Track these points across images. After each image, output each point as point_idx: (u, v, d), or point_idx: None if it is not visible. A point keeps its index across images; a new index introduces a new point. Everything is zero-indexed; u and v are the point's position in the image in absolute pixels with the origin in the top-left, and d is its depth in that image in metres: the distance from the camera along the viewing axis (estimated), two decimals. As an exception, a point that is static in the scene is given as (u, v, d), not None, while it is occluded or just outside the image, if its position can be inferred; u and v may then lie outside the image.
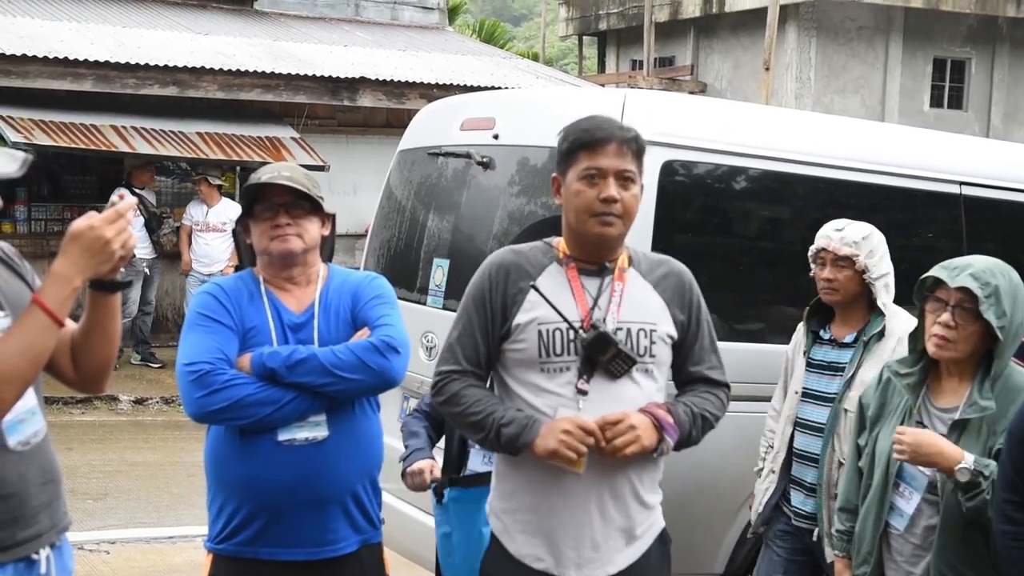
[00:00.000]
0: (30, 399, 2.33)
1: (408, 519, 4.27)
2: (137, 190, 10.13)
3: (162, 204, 10.87)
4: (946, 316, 2.95)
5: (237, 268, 3.26)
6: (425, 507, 3.17)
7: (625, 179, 2.63)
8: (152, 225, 10.23)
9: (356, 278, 3.00)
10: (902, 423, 3.07)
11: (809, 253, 3.75)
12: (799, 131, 4.46)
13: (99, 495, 6.90)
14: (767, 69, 14.58)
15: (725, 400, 2.81)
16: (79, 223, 2.21)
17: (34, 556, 2.31)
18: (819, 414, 3.66)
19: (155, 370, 10.39)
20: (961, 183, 4.54)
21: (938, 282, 3.00)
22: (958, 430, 2.96)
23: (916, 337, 3.10)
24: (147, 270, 10.33)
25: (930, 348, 3.01)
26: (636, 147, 2.66)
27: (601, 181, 2.62)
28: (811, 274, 3.73)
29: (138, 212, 10.06)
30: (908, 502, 3.05)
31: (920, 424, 3.04)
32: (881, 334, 3.61)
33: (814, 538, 3.67)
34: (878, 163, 4.40)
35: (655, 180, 3.91)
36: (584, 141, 2.65)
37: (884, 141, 4.69)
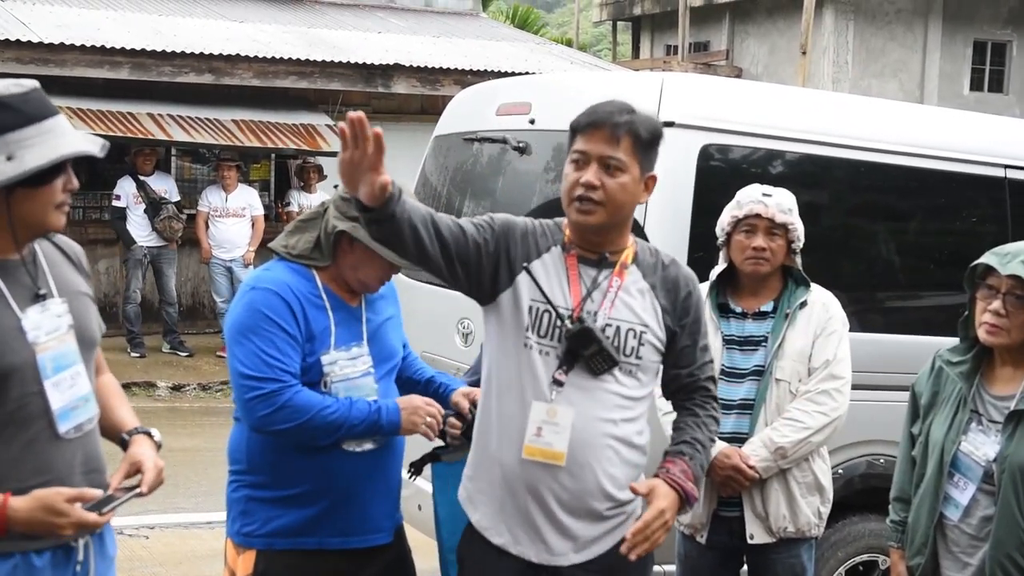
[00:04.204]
0: (84, 386, 2.35)
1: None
2: (141, 176, 10.20)
3: (197, 192, 10.92)
4: (997, 304, 2.90)
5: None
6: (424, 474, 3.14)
7: (610, 166, 2.56)
8: (151, 212, 10.14)
9: None
10: (956, 412, 3.02)
11: (726, 221, 3.51)
12: (839, 114, 4.39)
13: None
14: (804, 53, 14.43)
15: (717, 407, 2.80)
16: (60, 513, 2.19)
17: (72, 544, 2.32)
18: (742, 392, 3.47)
19: (192, 357, 10.44)
20: (1006, 166, 4.45)
21: (989, 269, 2.95)
22: (1015, 420, 2.91)
23: (967, 324, 3.05)
24: (148, 258, 10.26)
25: (981, 335, 2.96)
26: (632, 134, 2.56)
27: (584, 166, 2.57)
28: (719, 243, 3.51)
29: (140, 199, 10.13)
30: (963, 492, 3.00)
31: (975, 413, 3.00)
32: (803, 303, 3.49)
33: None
34: (920, 146, 4.32)
35: (693, 164, 3.87)
36: (578, 124, 2.61)
37: (926, 124, 4.61)
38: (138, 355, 10.28)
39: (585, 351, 2.55)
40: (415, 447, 3.03)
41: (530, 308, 2.59)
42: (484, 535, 2.65)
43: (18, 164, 2.17)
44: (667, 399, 2.88)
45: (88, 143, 2.29)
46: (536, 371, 2.58)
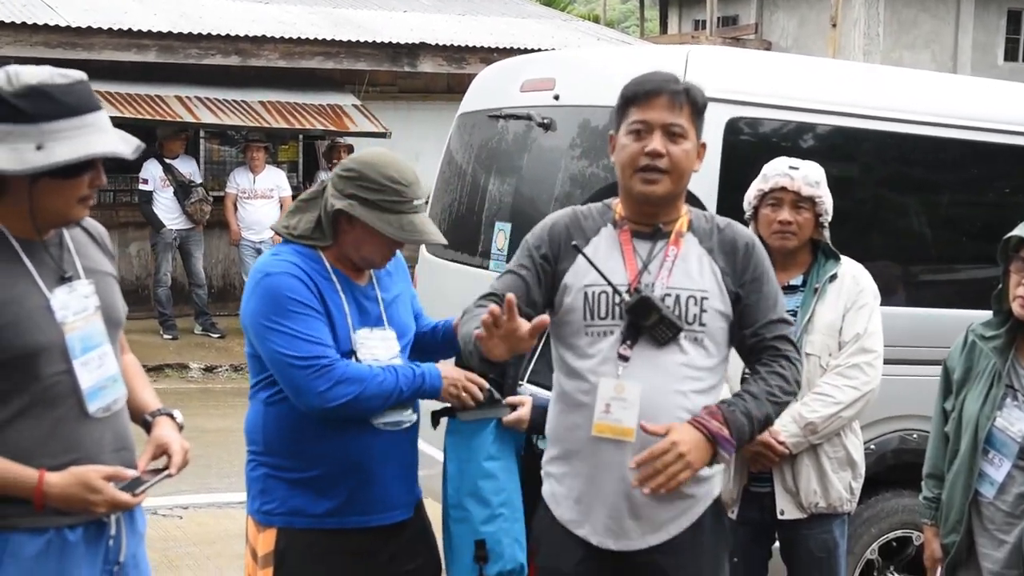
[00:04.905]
0: (112, 366, 2.37)
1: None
2: (168, 160, 10.24)
3: (225, 174, 10.95)
4: (1032, 277, 2.86)
5: None
6: (431, 439, 3.14)
7: (674, 134, 2.55)
8: (180, 195, 10.19)
9: None
10: (991, 387, 2.97)
11: (753, 195, 3.49)
12: (871, 85, 4.33)
13: (171, 461, 7.00)
14: (834, 26, 14.29)
15: (795, 366, 2.66)
16: (95, 490, 2.23)
17: (104, 520, 2.34)
18: None
19: (223, 339, 10.50)
20: (1043, 136, 4.37)
21: (1023, 241, 2.90)
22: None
23: (1000, 298, 3.00)
24: (178, 241, 10.33)
25: (1016, 309, 2.91)
26: (691, 101, 2.57)
27: (647, 135, 2.55)
28: (746, 218, 3.47)
29: (167, 182, 10.17)
30: (998, 469, 2.96)
31: (1010, 388, 2.95)
32: (833, 276, 3.45)
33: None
34: (955, 117, 4.25)
35: (720, 138, 3.83)
36: (634, 94, 2.58)
37: (961, 94, 4.54)
38: (170, 337, 10.36)
39: (646, 321, 2.52)
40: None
41: (585, 295, 2.58)
42: (567, 527, 2.65)
43: (46, 155, 2.17)
44: (747, 367, 2.80)
45: (121, 144, 2.29)
46: (601, 351, 2.56)
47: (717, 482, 2.70)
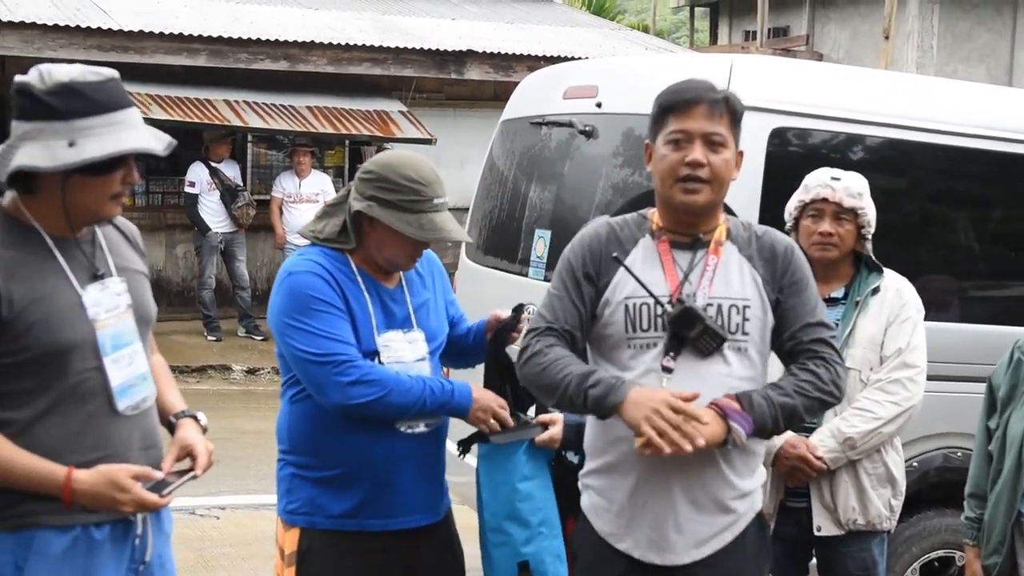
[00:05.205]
0: (142, 364, 2.38)
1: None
2: (214, 163, 10.33)
3: (272, 178, 11.04)
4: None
5: None
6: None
7: (714, 143, 2.51)
8: (227, 199, 10.29)
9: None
10: None
11: (794, 206, 3.44)
12: (921, 96, 4.26)
13: (210, 462, 7.05)
14: (887, 38, 14.12)
15: (831, 368, 2.56)
16: (123, 489, 2.24)
17: (130, 519, 2.34)
18: None
19: (267, 341, 10.58)
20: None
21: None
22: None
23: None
24: (223, 244, 10.42)
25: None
26: (730, 110, 2.53)
27: (687, 145, 2.51)
28: (787, 228, 3.41)
29: (214, 186, 10.26)
30: None
31: None
32: (876, 290, 3.39)
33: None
34: (1009, 130, 4.16)
35: (763, 149, 3.79)
36: (672, 103, 2.54)
37: (1015, 107, 4.45)
38: (214, 339, 10.45)
39: (690, 332, 2.48)
40: (462, 425, 3.02)
41: (626, 307, 2.54)
42: (607, 541, 2.61)
43: (78, 152, 2.18)
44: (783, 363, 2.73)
45: (152, 141, 2.29)
46: (643, 363, 2.52)
47: (759, 497, 2.66)
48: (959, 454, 3.99)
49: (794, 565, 3.50)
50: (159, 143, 2.30)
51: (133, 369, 2.34)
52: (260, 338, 10.57)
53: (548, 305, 2.62)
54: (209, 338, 10.45)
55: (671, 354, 2.50)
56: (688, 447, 2.38)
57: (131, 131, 2.26)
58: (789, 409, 2.51)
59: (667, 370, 2.50)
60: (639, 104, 4.05)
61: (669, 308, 2.50)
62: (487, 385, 3.01)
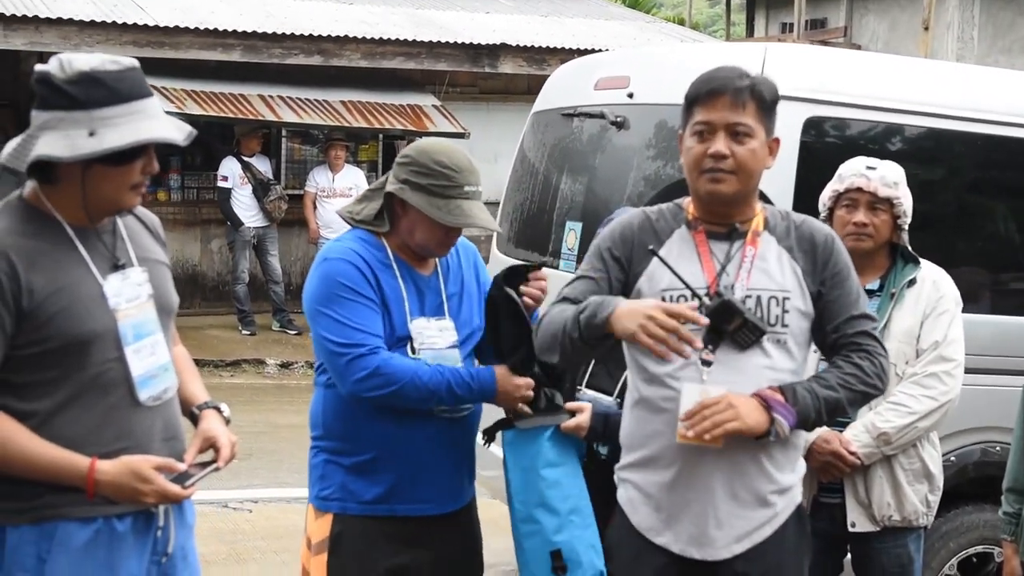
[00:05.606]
0: (163, 355, 2.37)
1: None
2: (246, 158, 10.37)
3: (306, 173, 11.07)
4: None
5: None
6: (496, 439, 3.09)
7: (738, 133, 2.47)
8: (259, 193, 10.32)
9: (463, 239, 3.01)
10: None
11: (828, 196, 3.36)
12: (958, 84, 4.18)
13: (244, 455, 7.01)
14: (926, 29, 13.94)
15: (875, 360, 2.53)
16: (146, 480, 2.24)
17: (152, 510, 2.33)
18: None
19: (300, 336, 10.61)
20: None
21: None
22: None
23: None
24: (255, 239, 10.45)
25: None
26: (756, 97, 2.48)
27: (710, 136, 2.48)
28: (821, 218, 3.31)
29: (246, 180, 10.30)
30: None
31: None
32: (912, 281, 3.31)
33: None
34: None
35: (797, 138, 3.73)
36: (696, 94, 2.52)
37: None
38: (249, 333, 10.50)
39: (729, 326, 2.45)
40: (489, 413, 3.00)
41: (662, 299, 2.49)
42: (645, 535, 2.59)
43: (98, 141, 2.17)
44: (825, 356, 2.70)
45: (172, 130, 2.28)
46: (682, 357, 2.47)
47: (799, 491, 2.63)
48: (998, 448, 3.92)
49: (829, 561, 3.45)
50: (180, 133, 2.29)
51: (155, 359, 2.33)
52: (294, 332, 10.61)
53: (570, 283, 2.61)
54: (243, 332, 10.50)
55: (710, 347, 2.46)
56: (689, 352, 2.36)
57: (151, 120, 2.25)
58: (833, 402, 2.49)
59: (706, 363, 2.46)
60: (671, 94, 4.00)
61: (707, 301, 2.46)
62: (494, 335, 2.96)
